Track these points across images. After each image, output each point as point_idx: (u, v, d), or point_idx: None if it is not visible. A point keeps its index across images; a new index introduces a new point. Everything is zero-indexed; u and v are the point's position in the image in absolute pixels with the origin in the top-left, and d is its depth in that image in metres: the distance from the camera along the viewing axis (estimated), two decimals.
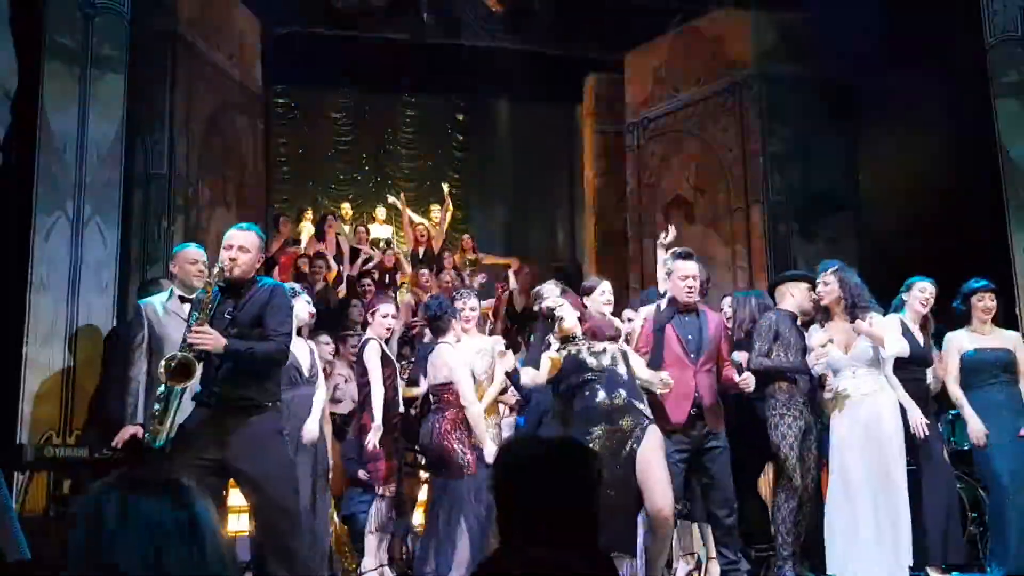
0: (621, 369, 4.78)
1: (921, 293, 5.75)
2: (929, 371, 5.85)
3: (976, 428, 5.58)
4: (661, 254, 6.11)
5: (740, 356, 5.72)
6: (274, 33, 10.39)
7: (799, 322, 5.70)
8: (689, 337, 5.19)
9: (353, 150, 14.96)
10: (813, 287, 5.65)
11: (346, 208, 13.02)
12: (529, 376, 4.87)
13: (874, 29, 8.49)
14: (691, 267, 5.26)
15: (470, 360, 5.64)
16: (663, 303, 5.41)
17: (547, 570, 1.88)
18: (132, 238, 8.00)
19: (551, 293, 4.93)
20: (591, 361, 4.75)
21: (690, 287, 5.22)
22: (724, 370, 5.28)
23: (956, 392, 5.72)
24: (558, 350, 4.81)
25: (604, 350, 4.80)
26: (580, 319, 4.88)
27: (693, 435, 5.11)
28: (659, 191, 11.03)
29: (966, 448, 6.16)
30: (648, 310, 5.62)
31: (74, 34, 7.34)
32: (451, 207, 12.80)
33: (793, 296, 5.74)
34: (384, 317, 6.03)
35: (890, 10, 8.29)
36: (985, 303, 5.81)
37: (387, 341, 6.16)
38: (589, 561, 1.97)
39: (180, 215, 8.48)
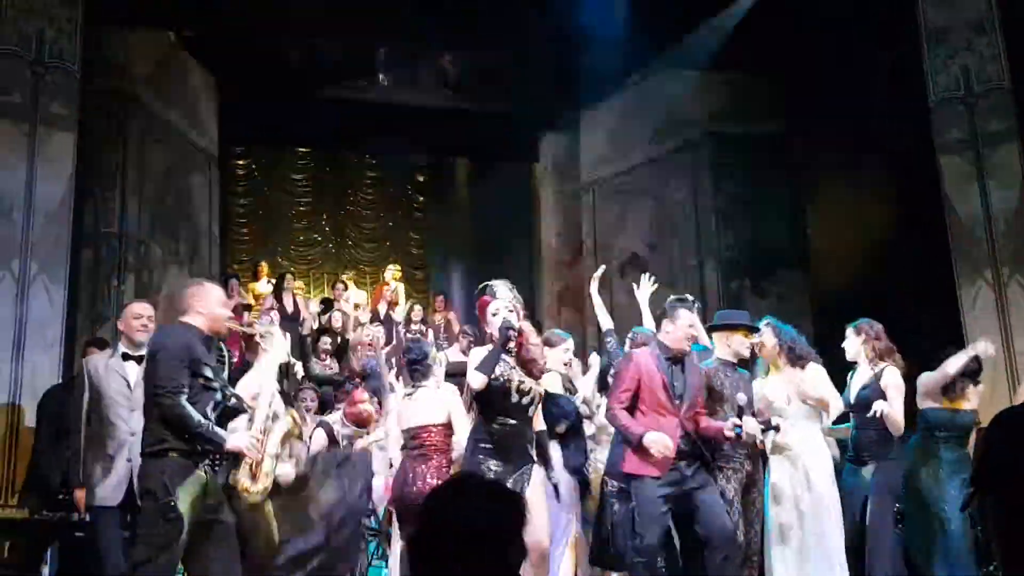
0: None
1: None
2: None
3: None
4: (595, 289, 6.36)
5: None
6: (231, 92, 10.34)
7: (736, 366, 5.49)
8: (675, 384, 4.98)
9: (313, 211, 14.93)
10: (748, 333, 5.49)
11: (298, 284, 12.87)
12: None
13: (819, 88, 8.63)
14: (686, 316, 5.08)
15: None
16: (654, 347, 5.15)
17: None
18: (81, 296, 7.86)
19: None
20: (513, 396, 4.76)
21: (693, 336, 5.09)
22: (700, 419, 5.03)
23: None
24: None
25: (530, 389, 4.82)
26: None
27: (674, 476, 4.87)
28: (615, 249, 11.04)
29: None
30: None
31: (23, 91, 7.25)
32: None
33: (729, 345, 5.41)
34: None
35: (834, 69, 8.41)
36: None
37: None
38: None
39: (131, 274, 8.36)
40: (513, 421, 4.77)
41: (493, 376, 4.71)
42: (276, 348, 5.14)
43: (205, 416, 4.25)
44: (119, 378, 5.25)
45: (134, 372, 5.25)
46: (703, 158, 10.07)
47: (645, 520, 4.83)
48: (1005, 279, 7.67)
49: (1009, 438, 1.19)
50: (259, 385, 4.78)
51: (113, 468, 5.17)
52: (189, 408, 4.17)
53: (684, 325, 5.04)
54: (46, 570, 6.12)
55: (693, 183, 10.16)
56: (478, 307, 5.02)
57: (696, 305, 5.23)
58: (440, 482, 4.96)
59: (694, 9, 9.05)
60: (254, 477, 4.33)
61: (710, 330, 5.74)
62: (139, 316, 5.37)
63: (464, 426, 5.17)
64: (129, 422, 5.19)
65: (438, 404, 5.26)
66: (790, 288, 9.54)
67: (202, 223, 9.93)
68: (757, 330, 5.59)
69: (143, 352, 5.25)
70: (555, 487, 5.13)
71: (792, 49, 8.51)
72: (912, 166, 8.38)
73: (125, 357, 5.31)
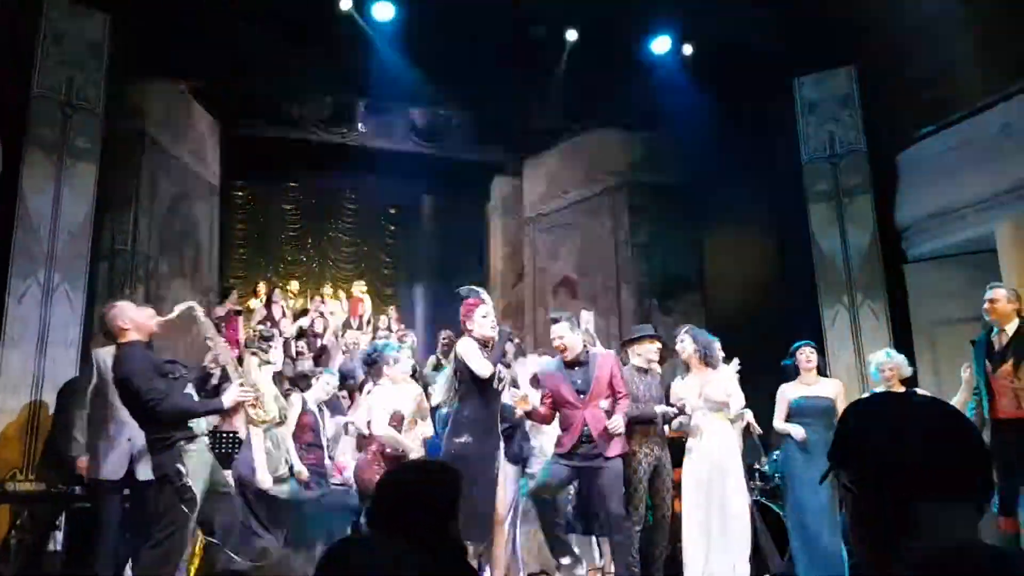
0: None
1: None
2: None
3: (798, 432, 5.61)
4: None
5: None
6: (232, 134, 10.28)
7: (649, 372, 5.59)
8: (577, 381, 5.02)
9: (301, 236, 14.80)
10: (653, 340, 5.62)
11: (294, 285, 12.86)
12: None
13: (716, 146, 8.81)
14: (555, 329, 5.12)
15: (401, 402, 5.39)
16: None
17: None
18: (97, 303, 7.74)
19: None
20: (495, 383, 4.77)
21: (557, 345, 5.09)
22: (619, 404, 5.04)
23: (779, 425, 5.78)
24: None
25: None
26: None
27: (579, 454, 4.94)
28: (550, 273, 11.13)
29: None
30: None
31: (53, 128, 7.17)
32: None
33: (639, 354, 5.59)
34: (325, 384, 5.95)
35: (728, 132, 8.60)
36: (806, 355, 5.87)
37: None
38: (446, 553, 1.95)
39: (141, 285, 8.25)
40: (490, 403, 4.76)
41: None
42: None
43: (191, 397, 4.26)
44: None
45: None
46: (622, 201, 10.19)
47: (553, 482, 4.95)
48: (858, 303, 7.89)
49: (861, 419, 1.29)
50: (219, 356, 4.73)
51: (115, 446, 5.08)
52: (181, 401, 4.14)
53: (553, 337, 5.10)
54: (59, 535, 6.03)
55: (614, 221, 10.28)
56: (467, 306, 4.86)
57: (565, 317, 5.17)
58: (384, 466, 5.00)
59: (617, 80, 9.22)
60: (259, 408, 4.39)
61: (624, 344, 5.86)
62: (151, 317, 5.29)
63: (377, 425, 5.13)
64: None
65: (367, 405, 5.27)
66: (690, 307, 9.66)
67: (204, 244, 9.83)
68: (660, 338, 5.69)
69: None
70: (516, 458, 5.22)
71: (695, 116, 8.67)
72: (787, 211, 8.59)
73: None
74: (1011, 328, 4.91)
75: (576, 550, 5.27)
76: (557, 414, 5.12)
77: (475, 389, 4.69)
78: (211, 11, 7.96)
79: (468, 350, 4.70)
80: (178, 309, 4.55)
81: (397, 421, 5.24)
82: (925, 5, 7.61)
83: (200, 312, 4.65)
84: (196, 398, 4.45)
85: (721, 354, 5.70)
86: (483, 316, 4.77)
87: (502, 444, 4.90)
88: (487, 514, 4.75)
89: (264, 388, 4.46)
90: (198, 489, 4.10)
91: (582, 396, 4.98)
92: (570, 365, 5.07)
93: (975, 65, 7.53)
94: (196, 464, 4.14)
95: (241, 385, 4.31)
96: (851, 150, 8.28)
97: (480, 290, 4.94)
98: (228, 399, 4.24)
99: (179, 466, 4.10)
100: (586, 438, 4.92)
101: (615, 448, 4.96)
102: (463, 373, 4.70)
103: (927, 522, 1.18)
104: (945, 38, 7.70)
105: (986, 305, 5.03)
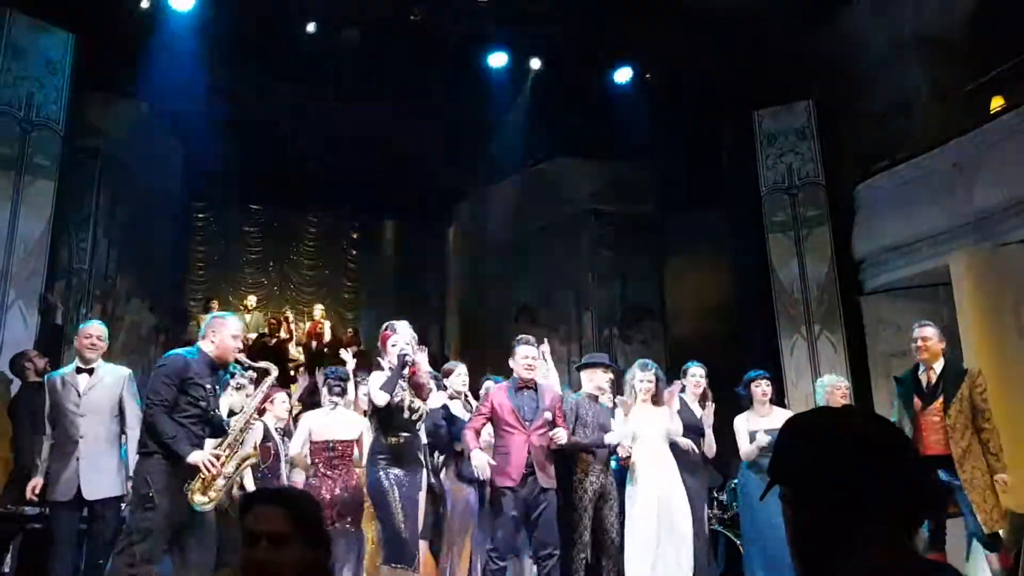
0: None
1: (693, 377, 5.93)
2: (705, 439, 5.90)
3: (763, 439, 5.64)
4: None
5: None
6: (195, 157, 10.21)
7: (599, 399, 5.58)
8: (525, 407, 5.06)
9: (262, 259, 14.71)
10: (607, 369, 5.65)
11: (251, 300, 12.78)
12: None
13: (677, 177, 8.96)
14: (531, 350, 5.17)
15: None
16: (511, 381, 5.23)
17: None
18: (53, 321, 7.63)
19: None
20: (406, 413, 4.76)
21: (529, 365, 5.12)
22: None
23: (747, 450, 5.78)
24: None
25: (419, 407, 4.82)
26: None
27: (525, 493, 4.96)
28: (511, 299, 11.16)
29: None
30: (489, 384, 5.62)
31: (12, 144, 7.05)
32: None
33: (591, 380, 5.54)
34: (282, 403, 5.92)
35: (689, 163, 8.75)
36: (761, 388, 5.89)
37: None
38: None
39: (98, 304, 8.13)
40: (406, 434, 4.75)
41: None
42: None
43: (184, 427, 4.18)
44: (72, 389, 5.06)
45: (84, 383, 5.11)
46: (584, 230, 10.25)
47: (502, 521, 4.98)
48: (816, 334, 8.00)
49: (799, 433, 1.28)
50: (241, 411, 4.64)
51: (67, 467, 4.99)
52: (164, 420, 4.06)
53: (521, 357, 5.12)
54: (8, 559, 5.86)
55: (575, 248, 10.33)
56: (381, 340, 4.95)
57: (533, 341, 5.24)
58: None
59: (580, 109, 9.34)
60: (205, 491, 4.14)
61: (578, 369, 5.89)
62: (89, 336, 5.15)
63: (292, 447, 5.24)
64: (80, 427, 5.05)
65: (353, 423, 5.22)
66: (650, 336, 9.73)
67: (164, 265, 9.75)
68: (613, 368, 5.75)
69: (93, 366, 5.17)
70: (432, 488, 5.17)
71: (656, 146, 8.81)
72: (747, 241, 8.69)
73: (78, 371, 5.18)
74: (939, 366, 4.97)
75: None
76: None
77: (388, 420, 4.72)
78: (176, 34, 7.95)
79: (372, 381, 4.76)
80: (262, 364, 4.68)
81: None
82: (880, 44, 7.83)
83: (269, 381, 4.67)
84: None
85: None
86: (392, 345, 4.79)
87: (424, 472, 4.89)
88: (409, 538, 4.71)
89: (229, 472, 4.38)
90: (164, 501, 4.06)
91: (527, 423, 5.03)
92: (520, 389, 5.11)
93: (928, 102, 7.75)
94: (162, 477, 4.11)
95: (216, 458, 4.21)
96: (809, 182, 8.42)
97: (397, 323, 4.95)
98: (193, 457, 4.11)
99: (147, 476, 4.05)
100: (530, 469, 4.95)
101: (549, 481, 5.03)
102: (373, 405, 4.75)
103: (863, 540, 1.13)
104: (899, 76, 7.92)
105: (918, 343, 5.08)
